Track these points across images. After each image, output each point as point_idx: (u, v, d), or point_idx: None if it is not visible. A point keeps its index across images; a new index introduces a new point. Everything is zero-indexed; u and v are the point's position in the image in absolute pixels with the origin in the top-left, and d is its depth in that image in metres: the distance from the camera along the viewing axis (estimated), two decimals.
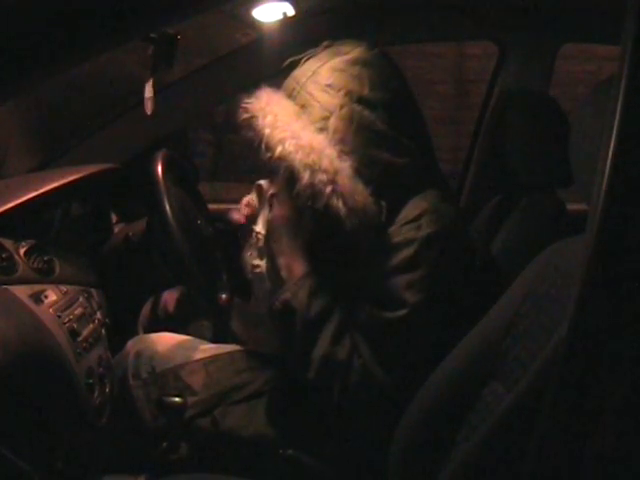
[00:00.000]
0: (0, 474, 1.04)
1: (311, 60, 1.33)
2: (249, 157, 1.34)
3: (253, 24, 1.73)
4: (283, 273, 1.30)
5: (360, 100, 1.26)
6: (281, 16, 1.67)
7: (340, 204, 1.21)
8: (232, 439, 1.39)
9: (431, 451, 1.09)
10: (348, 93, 1.26)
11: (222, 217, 1.44)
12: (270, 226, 1.34)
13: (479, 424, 1.01)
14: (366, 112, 1.26)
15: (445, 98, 6.42)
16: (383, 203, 1.25)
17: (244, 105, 1.29)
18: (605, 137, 0.73)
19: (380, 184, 1.26)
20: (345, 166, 1.23)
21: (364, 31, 1.93)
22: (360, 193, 1.23)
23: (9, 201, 1.29)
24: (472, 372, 1.06)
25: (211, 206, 1.81)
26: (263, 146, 1.25)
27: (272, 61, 1.67)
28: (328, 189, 1.21)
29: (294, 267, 1.29)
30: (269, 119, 1.25)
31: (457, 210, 1.38)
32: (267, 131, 1.24)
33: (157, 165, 1.46)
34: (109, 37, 0.93)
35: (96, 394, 1.33)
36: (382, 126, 1.27)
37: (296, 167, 1.22)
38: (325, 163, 1.22)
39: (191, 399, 1.42)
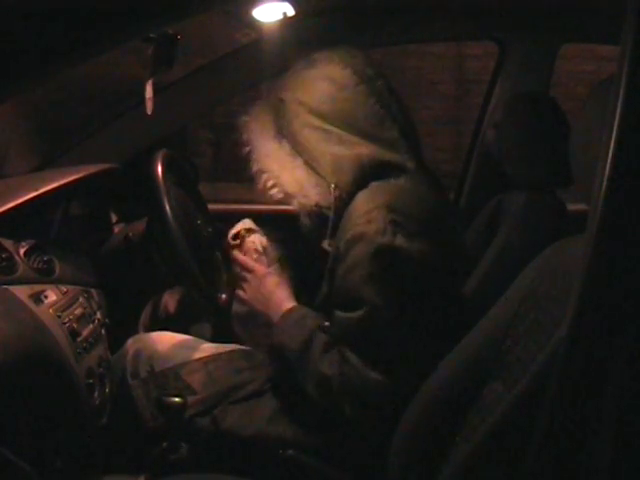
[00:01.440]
0: (0, 474, 1.03)
1: (289, 72, 1.41)
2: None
3: (253, 24, 1.72)
4: (269, 314, 1.43)
5: (312, 111, 1.34)
6: (281, 16, 1.67)
7: (276, 191, 1.38)
8: (232, 439, 1.39)
9: (431, 451, 1.09)
10: (303, 104, 1.35)
11: (222, 217, 1.44)
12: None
13: (479, 424, 1.01)
14: (317, 122, 1.34)
15: (445, 98, 6.41)
16: (333, 185, 1.33)
17: (239, 120, 1.43)
18: (605, 137, 0.73)
19: (331, 173, 1.33)
20: (295, 164, 1.35)
21: (364, 31, 1.93)
22: (297, 179, 1.35)
23: (9, 201, 1.29)
24: (472, 372, 1.06)
25: (211, 206, 1.81)
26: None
27: (272, 61, 1.67)
28: (269, 183, 1.38)
29: (277, 306, 1.41)
30: (246, 136, 1.41)
31: (421, 199, 1.34)
32: (247, 148, 1.41)
33: (157, 165, 1.45)
34: (109, 37, 0.94)
35: (96, 394, 1.33)
36: (333, 128, 1.33)
37: (257, 174, 1.40)
38: (274, 166, 1.37)
39: (191, 398, 1.42)
